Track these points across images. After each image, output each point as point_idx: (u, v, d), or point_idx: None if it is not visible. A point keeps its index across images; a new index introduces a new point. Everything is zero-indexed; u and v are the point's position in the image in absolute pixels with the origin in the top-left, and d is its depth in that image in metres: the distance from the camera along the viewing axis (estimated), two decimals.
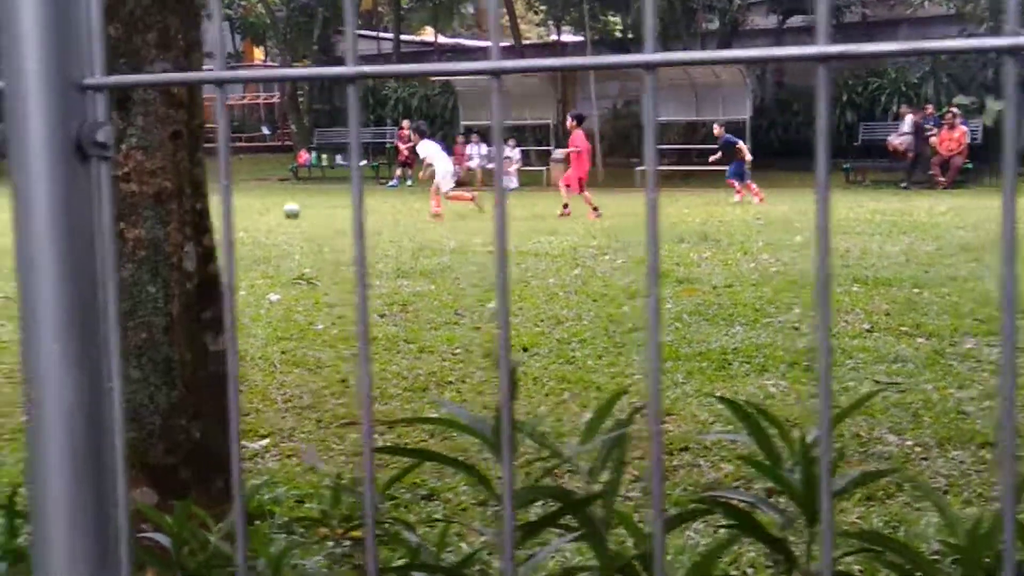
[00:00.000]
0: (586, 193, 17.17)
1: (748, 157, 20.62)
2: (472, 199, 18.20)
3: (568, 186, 17.54)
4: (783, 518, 1.65)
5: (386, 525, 2.31)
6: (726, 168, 20.65)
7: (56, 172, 1.11)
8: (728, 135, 21.44)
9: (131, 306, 3.35)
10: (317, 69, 1.10)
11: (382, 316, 7.84)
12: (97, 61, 1.13)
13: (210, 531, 2.18)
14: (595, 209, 16.60)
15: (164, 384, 3.43)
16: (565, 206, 17.05)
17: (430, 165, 18.54)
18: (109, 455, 1.17)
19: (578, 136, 18.09)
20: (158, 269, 3.38)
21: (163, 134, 3.35)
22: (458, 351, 6.59)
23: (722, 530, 3.00)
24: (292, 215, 16.91)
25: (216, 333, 3.55)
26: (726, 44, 29.02)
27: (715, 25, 30.05)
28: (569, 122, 18.91)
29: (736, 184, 19.82)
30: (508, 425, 1.09)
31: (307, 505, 3.86)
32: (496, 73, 1.02)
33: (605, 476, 1.61)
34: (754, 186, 19.71)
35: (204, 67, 3.79)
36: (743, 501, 1.72)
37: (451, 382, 5.79)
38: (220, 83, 1.12)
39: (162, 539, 1.86)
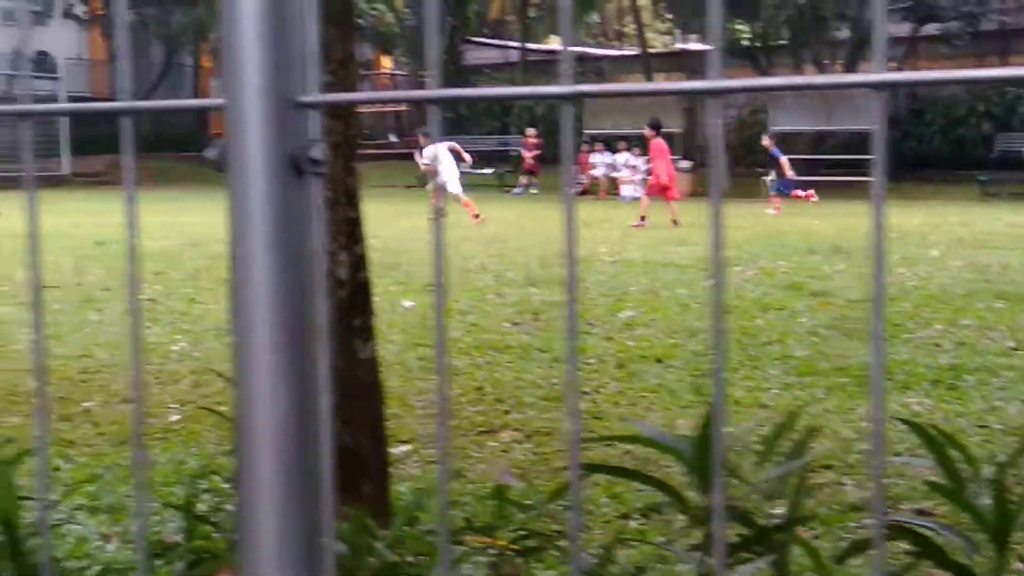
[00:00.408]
0: (673, 204, 17.05)
1: (789, 173, 20.43)
2: (476, 215, 17.54)
3: (649, 196, 17.39)
4: (968, 544, 1.61)
5: (544, 537, 2.32)
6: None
7: (272, 187, 1.14)
8: (775, 148, 20.99)
9: None
10: (536, 89, 1.11)
11: (515, 324, 7.87)
12: (312, 79, 1.16)
13: (375, 537, 2.22)
14: (675, 221, 16.51)
15: None
16: (642, 218, 16.91)
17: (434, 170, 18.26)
18: (315, 462, 1.20)
19: (657, 145, 17.80)
20: None
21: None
22: (591, 360, 6.58)
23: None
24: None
25: (365, 340, 3.60)
26: (857, 53, 28.46)
27: (845, 34, 29.52)
28: (647, 131, 18.62)
29: (776, 199, 19.72)
30: (718, 449, 1.08)
31: (452, 512, 3.89)
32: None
33: (784, 499, 1.59)
34: (800, 192, 19.65)
35: (359, 82, 3.84)
36: (924, 527, 1.68)
37: (586, 392, 5.79)
38: (437, 101, 1.14)
39: (337, 547, 1.89)
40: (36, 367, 1.40)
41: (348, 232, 3.57)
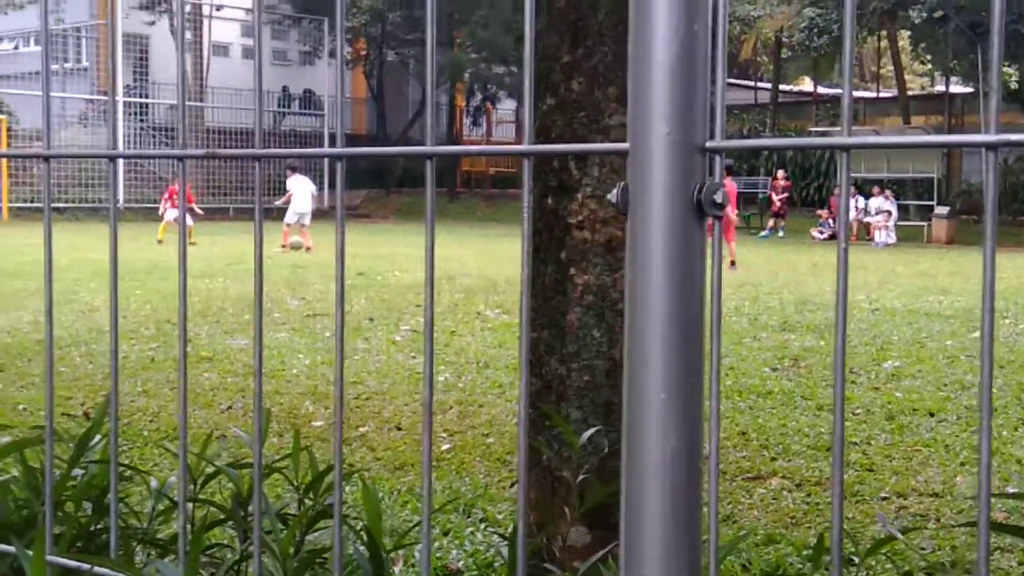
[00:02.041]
0: (732, 245, 17.20)
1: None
2: (305, 246, 19.58)
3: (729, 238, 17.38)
4: None
5: None
6: None
7: (672, 229, 1.17)
8: None
9: (576, 349, 3.48)
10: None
11: (774, 370, 7.74)
12: (719, 125, 1.19)
13: None
14: (732, 263, 16.59)
15: (603, 426, 3.53)
16: (732, 263, 16.75)
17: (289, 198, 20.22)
18: (696, 497, 1.21)
19: (729, 186, 17.95)
20: (603, 315, 3.49)
21: (617, 185, 3.46)
22: (858, 411, 6.40)
23: None
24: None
25: None
26: None
27: None
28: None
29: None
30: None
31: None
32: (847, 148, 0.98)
33: None
34: None
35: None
36: None
37: (855, 443, 5.63)
38: (847, 148, 1.15)
39: None
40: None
41: None
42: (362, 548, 1.71)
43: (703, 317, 1.21)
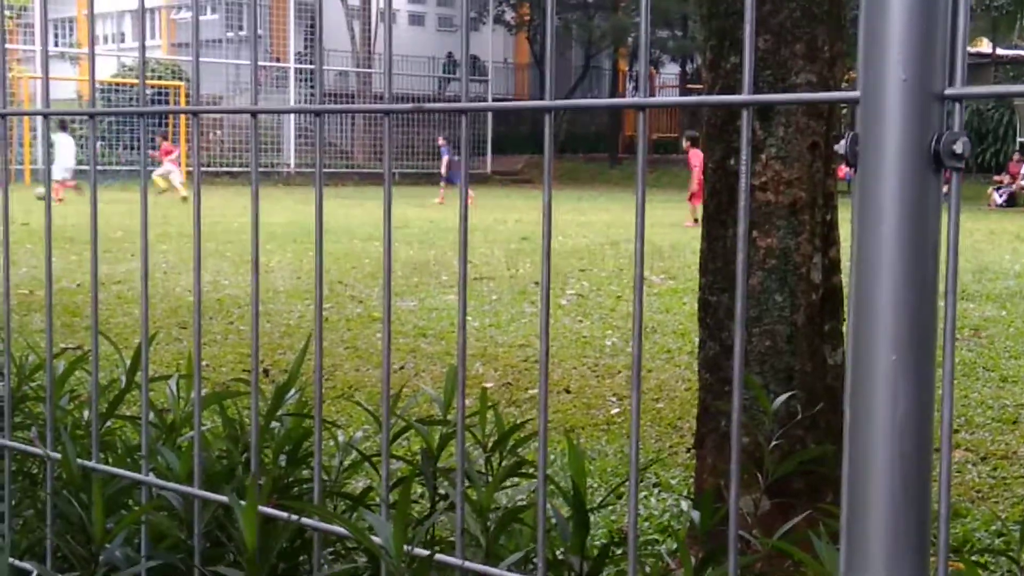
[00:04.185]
0: (696, 207, 17.36)
1: None
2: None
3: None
4: None
5: None
6: None
7: (907, 181, 1.10)
8: None
9: (758, 313, 3.40)
10: None
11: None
12: (959, 71, 1.12)
13: None
14: (696, 220, 16.77)
15: (783, 392, 3.45)
16: (696, 220, 16.74)
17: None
18: (926, 465, 1.15)
19: (695, 155, 18.20)
20: (786, 279, 3.40)
21: (802, 145, 3.36)
22: None
23: None
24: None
25: (834, 347, 3.52)
26: None
27: None
28: (685, 143, 20.37)
29: None
30: None
31: None
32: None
33: None
34: None
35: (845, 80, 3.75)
36: None
37: None
38: None
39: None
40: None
41: (824, 235, 3.50)
42: (560, 505, 1.70)
43: (937, 275, 1.14)
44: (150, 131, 23.51)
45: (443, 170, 24.35)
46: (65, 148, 21.86)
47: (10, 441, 2.02)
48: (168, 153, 22.68)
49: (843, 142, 1.15)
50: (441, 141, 25.08)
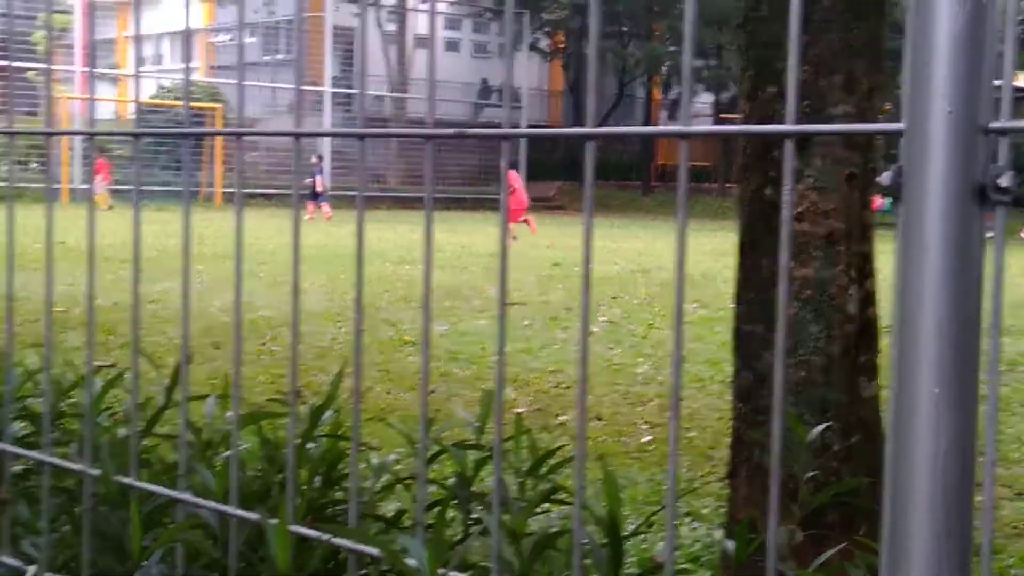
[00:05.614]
0: (512, 226, 18.70)
1: None
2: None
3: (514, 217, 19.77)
4: None
5: None
6: None
7: (952, 214, 1.10)
8: None
9: (793, 344, 3.39)
10: None
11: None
12: (1005, 104, 1.12)
13: None
14: (514, 238, 18.46)
15: (818, 423, 3.43)
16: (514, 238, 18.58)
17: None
18: (968, 499, 1.15)
19: (512, 175, 18.76)
20: (822, 309, 3.39)
21: (839, 176, 3.35)
22: None
23: None
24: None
25: (869, 378, 3.49)
26: None
27: None
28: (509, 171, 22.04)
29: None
30: None
31: None
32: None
33: None
34: None
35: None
36: None
37: None
38: None
39: None
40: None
41: (859, 266, 3.49)
42: (593, 531, 1.70)
43: (980, 308, 1.14)
44: (192, 152, 24.04)
45: (318, 188, 24.92)
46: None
47: (50, 457, 2.04)
48: (99, 171, 23.92)
49: (887, 174, 1.15)
50: (314, 160, 25.66)
